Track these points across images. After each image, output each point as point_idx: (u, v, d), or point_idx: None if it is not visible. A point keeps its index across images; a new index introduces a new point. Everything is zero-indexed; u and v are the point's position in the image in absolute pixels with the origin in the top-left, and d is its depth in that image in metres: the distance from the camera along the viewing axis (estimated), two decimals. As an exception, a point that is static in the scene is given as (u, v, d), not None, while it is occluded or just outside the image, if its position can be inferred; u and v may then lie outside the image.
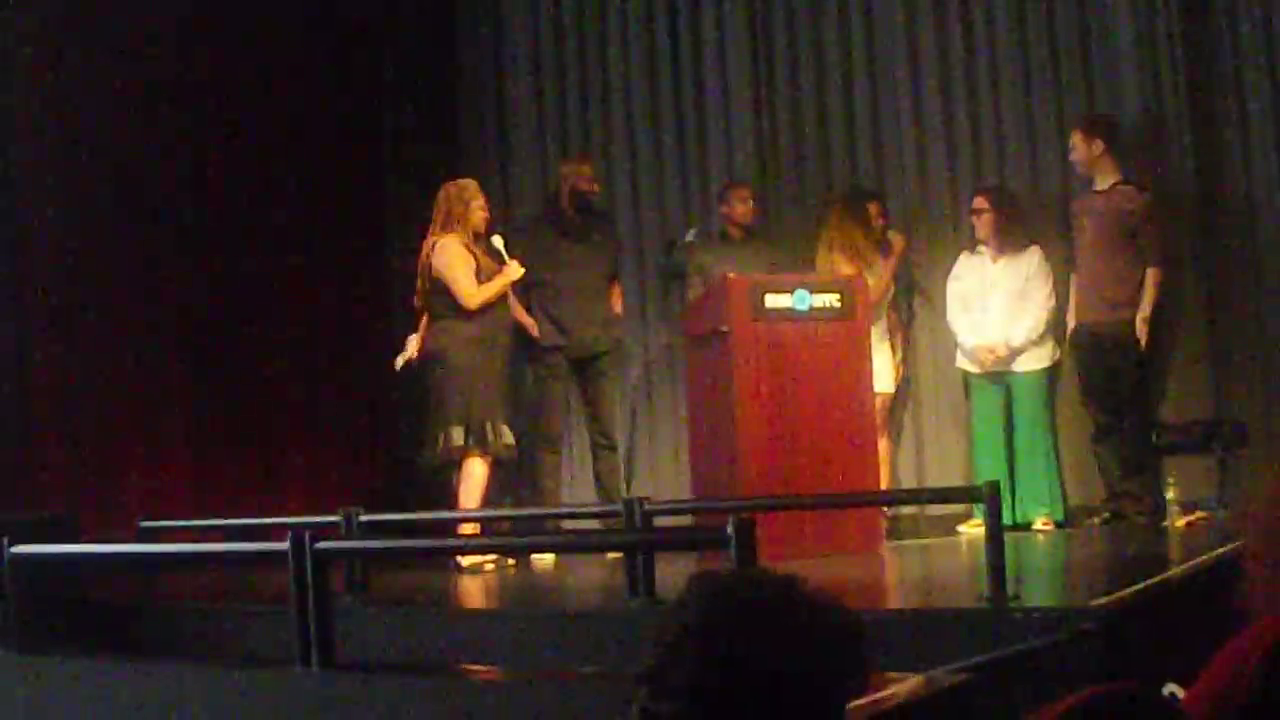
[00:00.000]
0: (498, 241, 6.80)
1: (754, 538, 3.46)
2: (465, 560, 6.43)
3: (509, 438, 6.65)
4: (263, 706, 4.17)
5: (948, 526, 7.17)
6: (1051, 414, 7.20)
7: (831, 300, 6.27)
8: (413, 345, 6.88)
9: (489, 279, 6.66)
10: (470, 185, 6.84)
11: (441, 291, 6.64)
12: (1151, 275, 6.85)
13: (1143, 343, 6.83)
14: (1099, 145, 6.96)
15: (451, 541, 6.40)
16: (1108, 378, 6.95)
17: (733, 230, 7.63)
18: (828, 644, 1.62)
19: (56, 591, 5.60)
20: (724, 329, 6.15)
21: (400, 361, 6.93)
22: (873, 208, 7.49)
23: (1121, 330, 6.86)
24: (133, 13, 7.58)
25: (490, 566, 6.51)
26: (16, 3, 7.18)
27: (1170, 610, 4.29)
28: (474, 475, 6.57)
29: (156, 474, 7.55)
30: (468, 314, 6.61)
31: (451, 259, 6.63)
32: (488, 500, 6.86)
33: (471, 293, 6.60)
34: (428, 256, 6.69)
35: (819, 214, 7.69)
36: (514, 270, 6.74)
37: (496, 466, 6.72)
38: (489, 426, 6.54)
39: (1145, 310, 6.84)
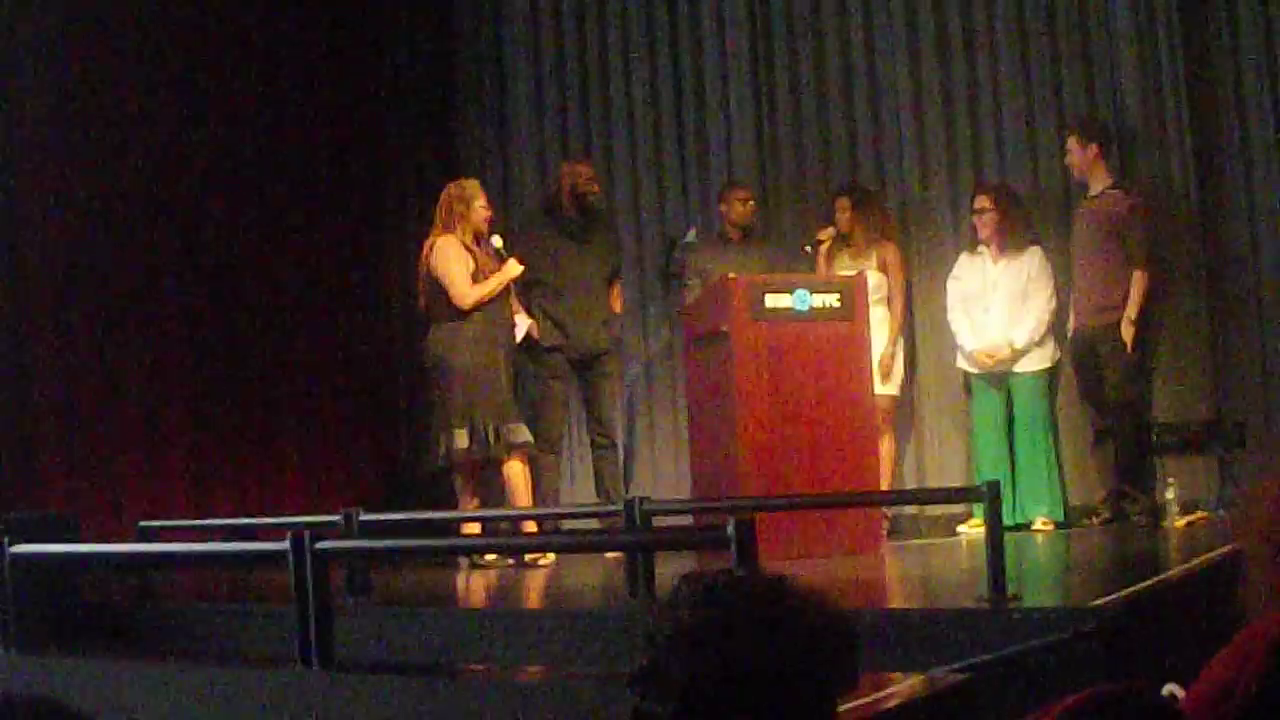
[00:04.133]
0: (497, 241, 6.82)
1: (754, 538, 3.46)
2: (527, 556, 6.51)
3: (524, 435, 6.68)
4: (263, 706, 4.17)
5: (948, 526, 7.18)
6: (1051, 414, 7.20)
7: (831, 300, 6.27)
8: (522, 323, 7.02)
9: (488, 278, 6.67)
10: (472, 185, 6.87)
11: (440, 292, 6.65)
12: (1137, 278, 6.85)
13: (1129, 345, 6.83)
14: (1093, 149, 6.98)
15: (450, 541, 6.41)
16: (1101, 381, 6.96)
17: (732, 231, 7.63)
18: (817, 643, 1.63)
19: (56, 591, 5.60)
20: (724, 329, 6.15)
21: (521, 335, 7.04)
22: (843, 202, 7.49)
23: (1110, 333, 6.86)
24: (132, 11, 7.58)
25: (545, 561, 6.56)
26: (17, 1, 7.19)
27: (1170, 610, 4.29)
28: (516, 477, 6.61)
29: (156, 474, 7.55)
30: (466, 314, 6.62)
31: (447, 259, 6.64)
32: (485, 500, 6.89)
33: (465, 292, 6.61)
34: (426, 257, 6.70)
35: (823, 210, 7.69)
36: (512, 268, 6.76)
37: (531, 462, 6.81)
38: (495, 430, 6.55)
39: (1130, 312, 6.83)
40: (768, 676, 1.59)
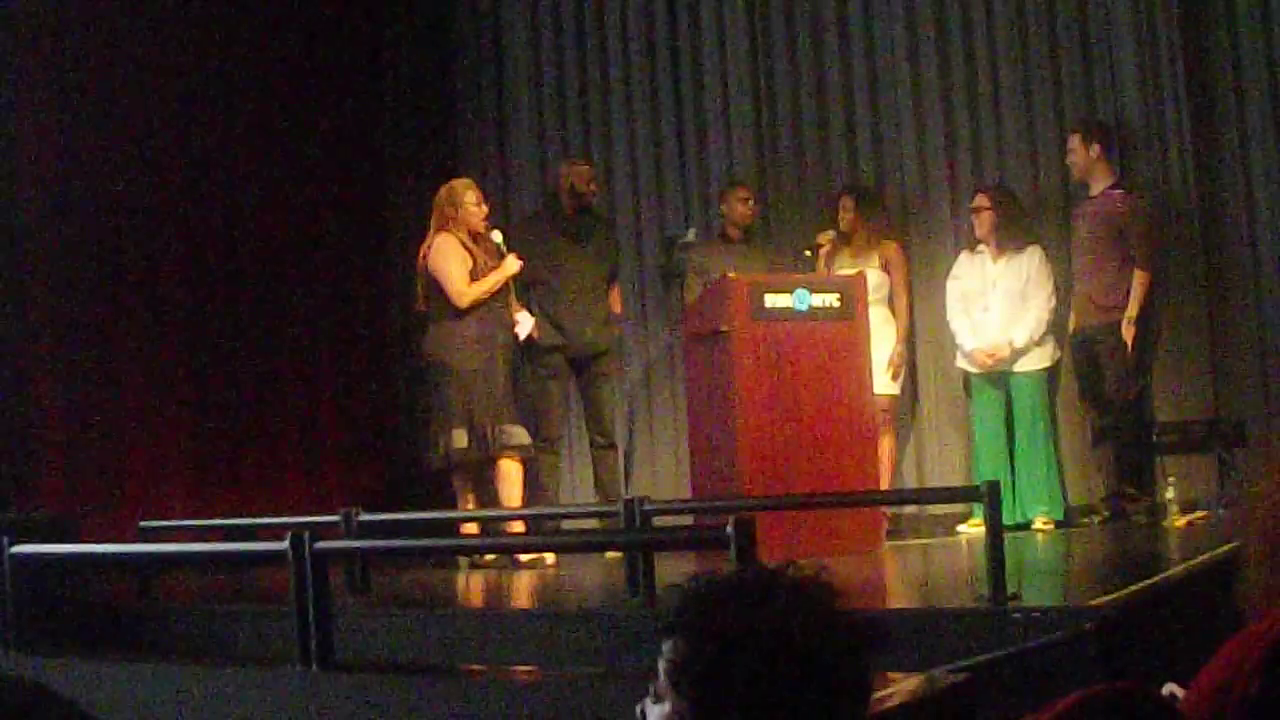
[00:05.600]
0: (497, 236, 6.79)
1: (754, 537, 3.46)
2: (524, 557, 6.46)
3: (521, 437, 6.65)
4: (263, 706, 4.17)
5: (948, 526, 7.17)
6: (1051, 414, 7.20)
7: (831, 300, 6.27)
8: (526, 321, 6.91)
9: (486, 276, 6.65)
10: (459, 184, 6.83)
11: (439, 292, 6.64)
12: (1138, 278, 6.85)
13: (1129, 345, 6.83)
14: (1096, 149, 6.98)
15: (450, 541, 6.40)
16: (1101, 381, 6.96)
17: (732, 230, 7.63)
18: (862, 640, 1.63)
19: (56, 591, 5.60)
20: (724, 329, 6.15)
21: (523, 334, 6.94)
22: (847, 201, 7.50)
23: (1112, 333, 6.87)
24: (132, 15, 7.59)
25: (550, 560, 6.54)
26: (17, 6, 7.19)
27: (1170, 610, 4.29)
28: (509, 476, 6.59)
29: (156, 474, 7.55)
30: (464, 313, 6.60)
31: (444, 259, 6.61)
32: (484, 501, 6.87)
33: (462, 290, 6.58)
34: (425, 257, 6.69)
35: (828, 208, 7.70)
36: (510, 265, 6.72)
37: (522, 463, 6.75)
38: (491, 429, 6.54)
39: (1131, 312, 6.83)
40: (830, 674, 1.59)
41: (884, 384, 7.08)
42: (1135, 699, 1.83)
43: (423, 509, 7.09)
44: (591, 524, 6.73)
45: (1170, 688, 2.37)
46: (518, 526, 6.52)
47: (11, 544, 5.06)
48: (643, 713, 1.67)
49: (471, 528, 6.56)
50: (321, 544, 4.14)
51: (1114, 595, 4.10)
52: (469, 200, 6.72)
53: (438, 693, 3.89)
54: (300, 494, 8.02)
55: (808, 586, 1.65)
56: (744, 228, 7.60)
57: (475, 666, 4.43)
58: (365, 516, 5.68)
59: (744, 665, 1.58)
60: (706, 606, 1.63)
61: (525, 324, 7.01)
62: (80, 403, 7.32)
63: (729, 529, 3.46)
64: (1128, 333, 6.84)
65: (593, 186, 7.53)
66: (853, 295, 6.32)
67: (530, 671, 4.27)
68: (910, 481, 7.66)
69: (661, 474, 8.23)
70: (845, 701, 1.61)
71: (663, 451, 8.33)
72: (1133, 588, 4.28)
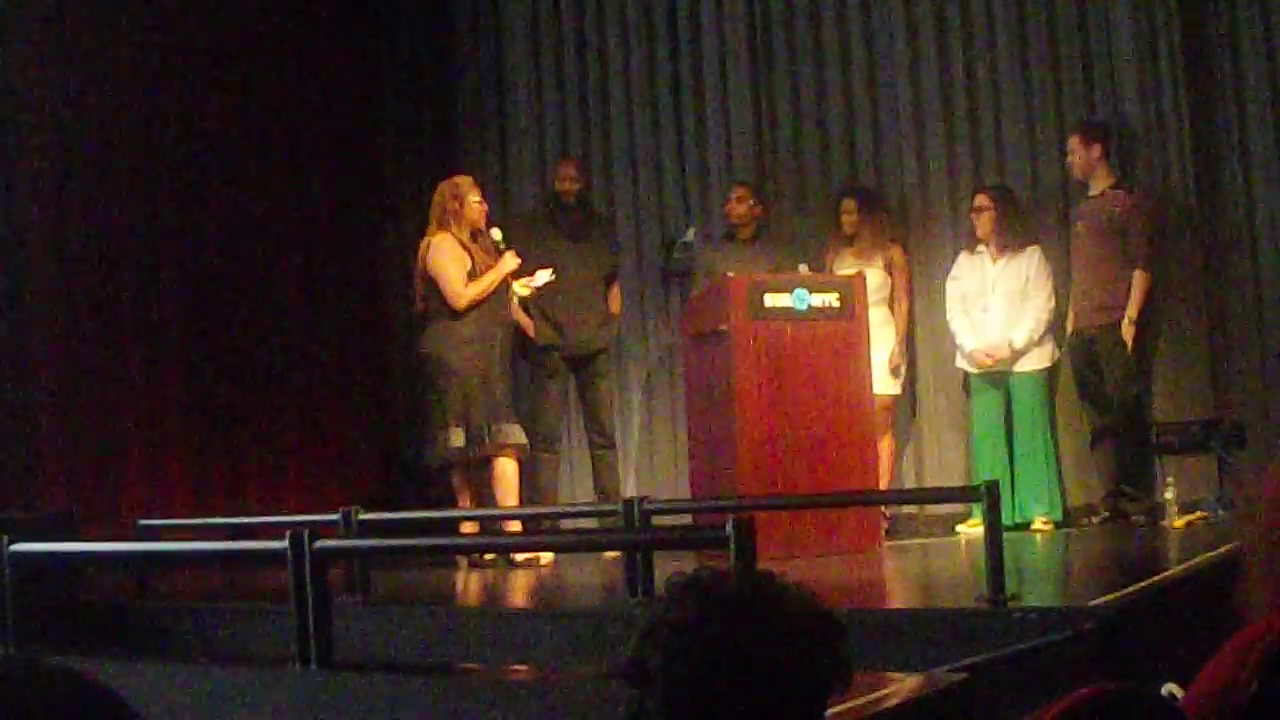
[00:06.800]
0: (496, 234, 6.78)
1: (753, 537, 3.46)
2: (519, 556, 6.46)
3: (517, 436, 6.64)
4: (262, 706, 4.17)
5: (947, 526, 7.18)
6: (1051, 414, 7.20)
7: (830, 300, 6.27)
8: (542, 273, 6.87)
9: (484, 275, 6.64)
10: (464, 182, 6.81)
11: (437, 291, 6.62)
12: (1138, 278, 6.85)
13: (1129, 345, 6.83)
14: (1096, 150, 6.98)
15: (450, 541, 6.40)
16: (1101, 381, 6.96)
17: (738, 230, 7.61)
18: (798, 638, 1.62)
19: (56, 591, 5.59)
20: (723, 328, 6.16)
21: (542, 281, 6.87)
22: (849, 203, 7.50)
23: (1112, 334, 6.87)
24: (131, 12, 7.59)
25: (545, 560, 6.54)
26: (18, 2, 7.19)
27: (1169, 610, 4.29)
28: (504, 475, 6.58)
29: (156, 474, 7.55)
30: (462, 313, 6.59)
31: (442, 258, 6.60)
32: (483, 500, 6.88)
33: (459, 291, 6.56)
34: (422, 257, 6.68)
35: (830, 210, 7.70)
36: (508, 261, 6.70)
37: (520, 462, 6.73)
38: (487, 429, 6.53)
39: (1131, 313, 6.84)
40: (746, 669, 1.59)
41: (884, 384, 7.08)
42: (1135, 699, 1.83)
43: (423, 509, 7.09)
44: (591, 524, 6.73)
45: (1170, 688, 2.38)
46: (515, 525, 6.51)
47: (11, 543, 5.06)
48: None
49: (471, 527, 6.56)
50: (321, 543, 4.13)
51: (1113, 595, 4.10)
52: (473, 197, 6.72)
53: (437, 692, 3.89)
54: (300, 494, 8.02)
55: (761, 588, 1.65)
56: (744, 227, 7.57)
57: (474, 666, 4.43)
58: (365, 515, 5.68)
59: (665, 657, 1.59)
60: (653, 607, 1.66)
61: (542, 274, 6.91)
62: (80, 402, 7.32)
63: (728, 529, 3.46)
64: (1127, 333, 6.84)
65: (568, 185, 7.50)
66: (852, 295, 6.32)
67: (529, 671, 4.27)
68: (909, 481, 7.66)
69: (661, 474, 8.23)
70: (793, 700, 1.61)
71: (662, 451, 8.32)
72: (1132, 588, 4.28)
